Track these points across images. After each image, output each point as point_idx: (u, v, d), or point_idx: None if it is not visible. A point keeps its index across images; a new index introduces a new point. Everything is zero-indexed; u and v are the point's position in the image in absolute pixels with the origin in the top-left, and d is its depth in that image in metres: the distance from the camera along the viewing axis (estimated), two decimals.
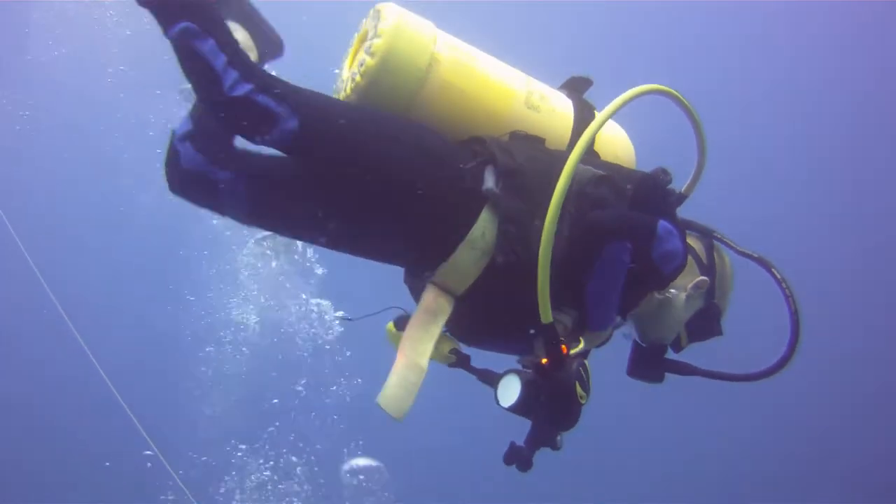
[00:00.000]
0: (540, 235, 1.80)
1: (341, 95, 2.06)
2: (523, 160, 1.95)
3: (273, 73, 1.96)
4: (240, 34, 2.17)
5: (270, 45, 2.29)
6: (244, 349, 9.76)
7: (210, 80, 1.81)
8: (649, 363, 2.27)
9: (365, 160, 1.89)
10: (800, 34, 13.16)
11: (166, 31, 1.82)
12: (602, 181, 1.99)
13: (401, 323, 2.13)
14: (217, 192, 1.93)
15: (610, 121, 2.22)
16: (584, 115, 2.20)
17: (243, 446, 9.62)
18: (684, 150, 2.37)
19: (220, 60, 1.81)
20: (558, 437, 1.99)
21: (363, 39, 2.09)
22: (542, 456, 2.02)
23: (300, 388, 9.92)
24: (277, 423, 9.87)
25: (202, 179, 1.94)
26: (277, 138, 1.85)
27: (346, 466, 9.38)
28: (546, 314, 1.82)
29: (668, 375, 2.32)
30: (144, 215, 10.79)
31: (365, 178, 1.89)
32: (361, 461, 9.31)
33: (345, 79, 2.07)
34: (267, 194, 1.96)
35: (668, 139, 3.42)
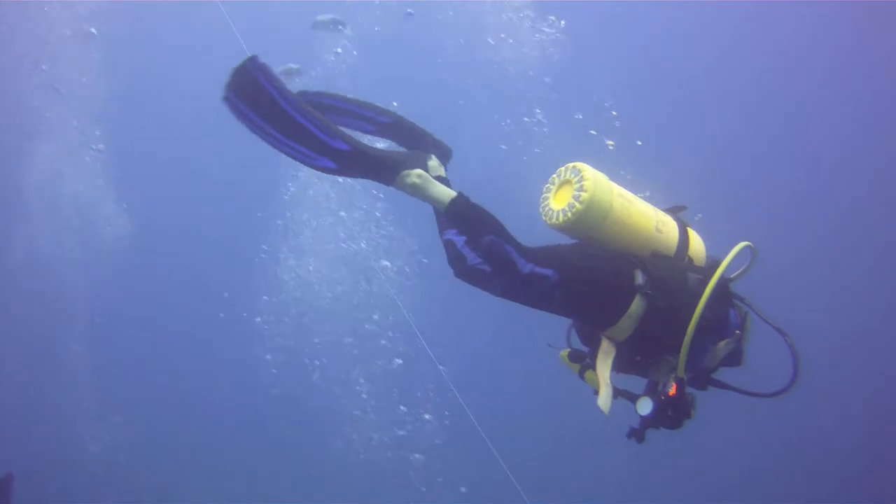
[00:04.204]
0: (673, 318, 3.29)
1: (552, 221, 3.39)
2: (664, 271, 3.39)
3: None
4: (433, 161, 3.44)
5: (445, 152, 3.61)
6: None
7: (511, 265, 3.22)
8: (699, 380, 3.71)
9: (583, 279, 3.32)
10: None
11: (477, 241, 3.22)
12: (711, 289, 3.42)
13: (573, 355, 3.62)
14: (487, 279, 3.30)
15: (695, 233, 3.68)
16: (683, 234, 3.62)
17: None
18: None
19: (514, 254, 3.22)
20: (658, 428, 3.48)
21: (563, 184, 3.42)
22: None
23: None
24: None
25: (479, 272, 3.28)
26: (543, 285, 3.27)
27: None
28: (681, 371, 3.31)
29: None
30: None
31: (582, 286, 3.32)
32: None
33: (556, 210, 3.37)
34: (513, 283, 3.31)
35: None
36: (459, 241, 3.29)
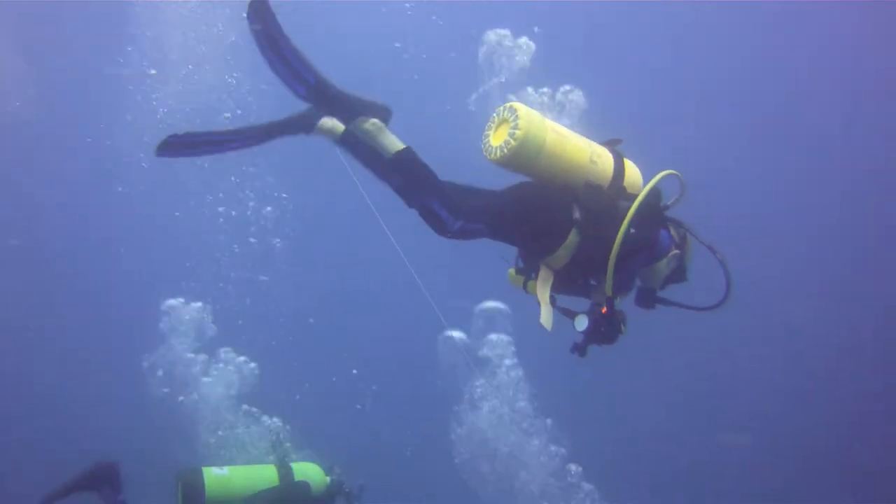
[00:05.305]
0: (604, 245, 3.59)
1: (491, 157, 3.63)
2: (596, 201, 3.69)
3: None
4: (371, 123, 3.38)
5: (384, 112, 3.47)
6: None
7: (441, 224, 3.47)
8: (646, 298, 4.05)
9: (519, 220, 3.68)
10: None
11: (410, 204, 3.44)
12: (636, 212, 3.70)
13: (518, 271, 3.97)
14: (464, 232, 3.58)
15: (631, 164, 3.99)
16: (619, 164, 3.88)
17: None
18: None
19: (445, 213, 3.44)
20: (599, 346, 3.82)
21: (501, 123, 3.64)
22: None
23: None
24: None
25: (462, 229, 3.54)
26: (476, 236, 3.62)
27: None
28: (609, 290, 3.63)
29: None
30: None
31: (519, 227, 3.70)
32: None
33: (494, 147, 3.62)
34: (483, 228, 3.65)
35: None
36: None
